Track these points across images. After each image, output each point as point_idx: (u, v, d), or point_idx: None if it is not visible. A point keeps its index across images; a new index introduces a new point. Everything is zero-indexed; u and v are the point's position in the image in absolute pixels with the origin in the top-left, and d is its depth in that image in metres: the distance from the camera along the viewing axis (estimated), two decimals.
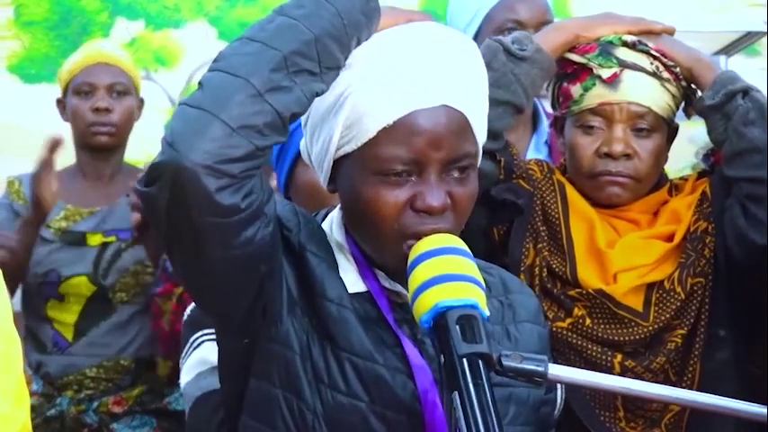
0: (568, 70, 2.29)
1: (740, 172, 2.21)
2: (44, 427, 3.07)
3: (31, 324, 3.18)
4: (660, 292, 2.23)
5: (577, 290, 2.24)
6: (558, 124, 2.37)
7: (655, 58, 2.25)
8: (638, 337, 2.21)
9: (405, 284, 1.55)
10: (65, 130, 3.30)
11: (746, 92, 2.21)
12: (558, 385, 1.80)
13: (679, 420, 2.21)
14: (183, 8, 4.82)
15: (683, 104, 2.33)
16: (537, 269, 2.26)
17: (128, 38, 4.75)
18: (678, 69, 2.27)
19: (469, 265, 1.46)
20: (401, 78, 1.52)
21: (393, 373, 1.55)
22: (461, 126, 1.54)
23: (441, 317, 1.41)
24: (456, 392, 1.34)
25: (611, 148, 2.23)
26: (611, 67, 2.24)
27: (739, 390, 2.06)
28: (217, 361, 1.71)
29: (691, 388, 2.18)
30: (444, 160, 1.52)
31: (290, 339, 1.54)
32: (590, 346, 2.22)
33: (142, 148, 3.56)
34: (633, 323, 2.21)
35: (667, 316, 2.21)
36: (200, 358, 2.05)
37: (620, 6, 2.43)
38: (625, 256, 2.25)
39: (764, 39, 4.36)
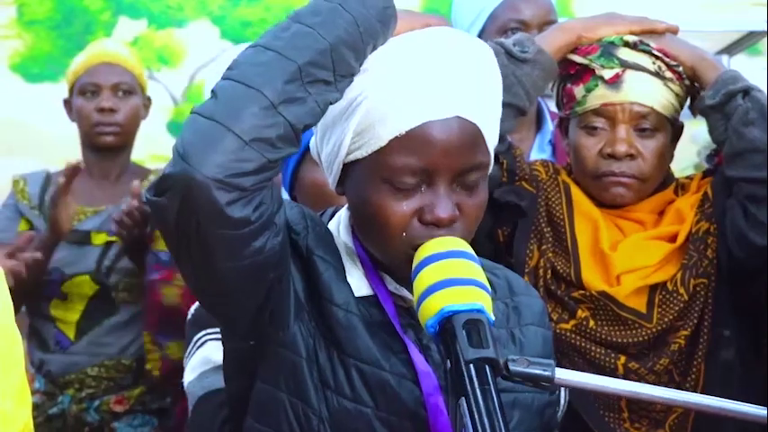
0: (571, 71, 2.29)
1: (740, 172, 2.21)
2: (46, 426, 3.07)
3: (34, 322, 3.18)
4: (663, 293, 2.23)
5: (581, 291, 2.24)
6: (562, 125, 2.37)
7: (657, 57, 2.25)
8: (641, 338, 2.21)
9: (410, 289, 1.54)
10: (68, 130, 3.31)
11: (747, 92, 2.21)
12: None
13: (683, 421, 2.21)
14: (186, 7, 4.82)
15: (687, 103, 2.32)
16: (541, 270, 2.26)
17: (130, 37, 4.75)
18: (681, 68, 2.26)
19: (475, 269, 1.46)
20: (415, 88, 1.50)
21: (399, 380, 1.54)
22: (474, 137, 1.53)
23: (447, 321, 1.40)
24: (463, 398, 1.33)
25: (614, 148, 2.23)
26: (612, 67, 2.24)
27: (744, 390, 2.06)
28: (220, 360, 1.71)
29: (695, 388, 2.19)
30: (455, 171, 1.51)
31: (297, 344, 1.54)
32: (593, 348, 2.22)
33: (145, 147, 3.56)
34: (637, 325, 2.21)
35: (670, 317, 2.21)
36: (204, 357, 2.06)
37: (622, 6, 2.43)
38: (628, 258, 2.25)
39: (766, 38, 4.35)
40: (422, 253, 1.48)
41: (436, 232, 1.50)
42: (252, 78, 1.43)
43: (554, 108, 2.56)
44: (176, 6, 4.82)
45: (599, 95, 2.24)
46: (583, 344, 2.22)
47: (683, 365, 2.22)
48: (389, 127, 1.50)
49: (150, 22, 4.83)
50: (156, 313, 2.98)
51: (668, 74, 2.25)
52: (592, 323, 2.22)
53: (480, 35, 2.83)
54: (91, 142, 3.22)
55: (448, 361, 1.40)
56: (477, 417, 1.31)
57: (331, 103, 1.49)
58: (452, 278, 1.43)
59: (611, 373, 2.18)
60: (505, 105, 2.19)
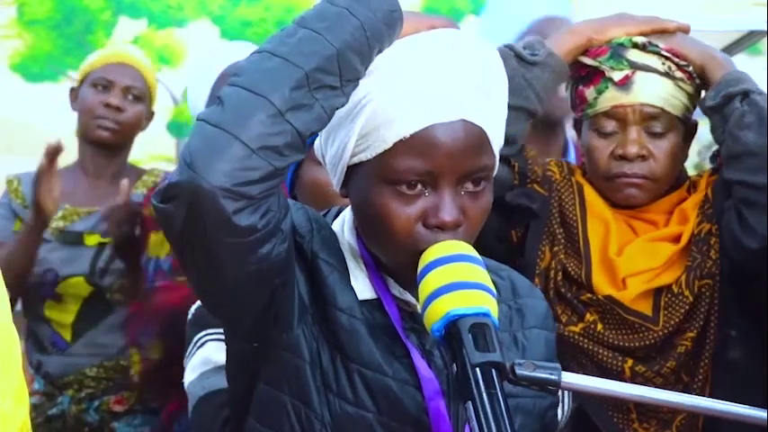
0: (582, 74, 2.29)
1: (735, 175, 2.20)
2: (45, 426, 3.08)
3: (31, 324, 3.18)
4: (669, 296, 2.23)
5: (589, 295, 2.24)
6: (576, 127, 2.37)
7: (666, 58, 2.24)
8: (648, 342, 2.20)
9: (414, 293, 1.54)
10: (68, 129, 3.31)
11: (746, 95, 2.20)
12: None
13: (691, 422, 2.21)
14: (187, 7, 4.82)
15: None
16: (552, 272, 2.26)
17: (130, 37, 4.75)
18: (691, 68, 2.26)
19: (481, 273, 1.45)
20: (421, 91, 1.49)
21: (401, 385, 1.54)
22: (479, 140, 1.52)
23: (453, 325, 1.40)
24: (469, 402, 1.33)
25: (625, 150, 2.23)
26: (622, 69, 2.23)
27: (752, 390, 2.06)
28: (220, 360, 1.71)
29: (702, 389, 2.19)
30: (460, 174, 1.50)
31: (301, 347, 1.54)
32: (601, 351, 2.21)
33: (144, 148, 3.56)
34: (644, 328, 2.21)
35: (677, 320, 2.21)
36: (204, 358, 2.05)
37: (624, 6, 2.42)
38: (633, 261, 2.24)
39: (766, 38, 4.35)
40: (427, 257, 1.47)
41: (440, 236, 1.50)
42: (258, 85, 1.42)
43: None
44: (176, 6, 4.82)
45: (609, 97, 2.24)
46: (591, 347, 2.22)
47: (690, 367, 2.21)
48: (394, 130, 1.49)
49: (150, 21, 4.83)
50: (147, 317, 2.97)
51: (678, 74, 2.24)
52: (600, 327, 2.22)
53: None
54: (87, 134, 3.22)
55: (454, 365, 1.39)
56: (483, 421, 1.31)
57: (338, 108, 1.48)
58: (458, 282, 1.42)
59: (618, 376, 2.17)
60: (516, 108, 2.21)
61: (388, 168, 1.50)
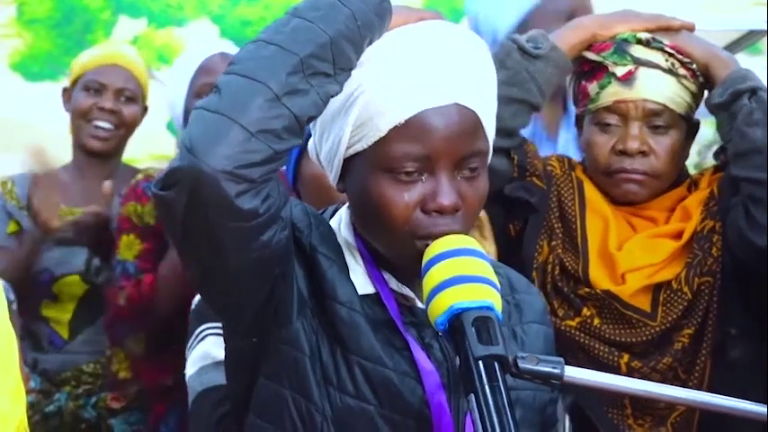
0: (585, 68, 2.30)
1: (743, 172, 2.21)
2: (43, 424, 3.07)
3: (27, 322, 3.17)
4: (668, 292, 2.23)
5: (586, 290, 2.24)
6: (578, 123, 2.37)
7: (670, 54, 2.25)
8: (645, 337, 2.21)
9: (412, 287, 1.56)
10: (68, 128, 3.30)
11: (754, 92, 2.20)
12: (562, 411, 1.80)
13: (687, 419, 2.21)
14: (186, 6, 4.82)
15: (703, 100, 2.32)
16: (550, 266, 2.26)
17: (130, 36, 4.74)
18: (695, 66, 2.26)
19: (485, 267, 1.46)
20: (412, 77, 1.51)
21: (402, 378, 1.54)
22: (473, 124, 1.53)
23: (456, 318, 1.40)
24: (472, 395, 1.33)
25: (626, 145, 2.23)
26: (625, 64, 2.24)
27: (751, 388, 2.05)
28: (219, 356, 1.71)
29: (699, 386, 2.19)
30: (456, 158, 1.52)
31: (300, 341, 1.54)
32: (597, 346, 2.22)
33: (144, 146, 3.56)
34: (641, 323, 2.22)
35: (675, 316, 2.22)
36: (204, 352, 2.07)
37: (623, 6, 2.42)
38: (633, 256, 2.25)
39: (766, 38, 4.35)
40: (432, 251, 1.47)
41: (439, 221, 1.51)
42: (255, 72, 1.44)
43: None
44: (176, 5, 4.81)
45: (612, 92, 2.24)
46: (587, 341, 2.22)
47: (688, 364, 2.22)
48: (388, 117, 1.51)
49: (150, 21, 4.82)
50: (113, 316, 2.97)
51: (682, 71, 2.25)
52: (596, 321, 2.23)
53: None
54: (79, 141, 3.22)
55: (457, 357, 1.40)
56: (486, 414, 1.31)
57: (332, 96, 1.50)
58: (462, 275, 1.43)
59: (614, 370, 2.18)
60: (518, 101, 2.22)
61: (384, 156, 1.51)
